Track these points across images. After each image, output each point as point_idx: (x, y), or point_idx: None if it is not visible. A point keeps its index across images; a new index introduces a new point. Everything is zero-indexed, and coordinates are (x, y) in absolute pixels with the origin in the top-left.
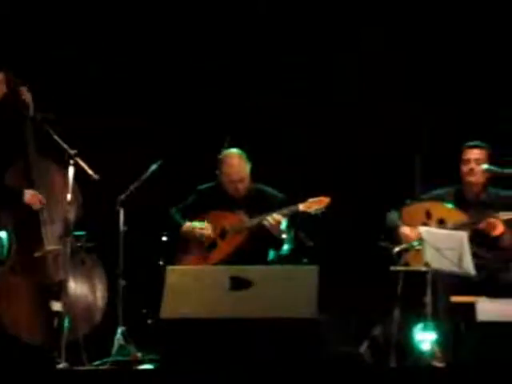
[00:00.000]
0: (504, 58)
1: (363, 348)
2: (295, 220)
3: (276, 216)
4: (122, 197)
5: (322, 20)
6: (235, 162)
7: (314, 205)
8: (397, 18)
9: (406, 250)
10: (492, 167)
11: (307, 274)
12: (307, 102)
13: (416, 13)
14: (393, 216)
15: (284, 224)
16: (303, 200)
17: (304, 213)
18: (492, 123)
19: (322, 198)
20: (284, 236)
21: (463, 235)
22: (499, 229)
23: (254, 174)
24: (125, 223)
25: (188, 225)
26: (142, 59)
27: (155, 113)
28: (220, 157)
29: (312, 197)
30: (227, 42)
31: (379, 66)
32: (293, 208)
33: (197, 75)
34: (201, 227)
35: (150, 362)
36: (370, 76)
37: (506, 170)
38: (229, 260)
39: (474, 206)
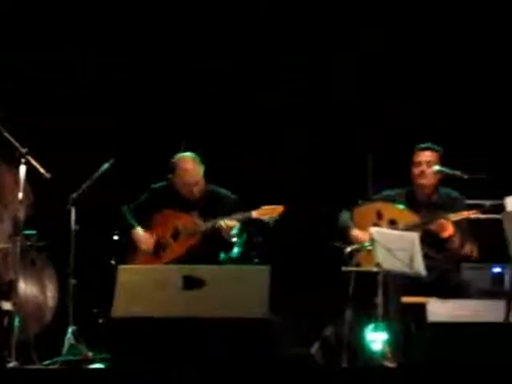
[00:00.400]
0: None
1: (314, 348)
2: (248, 225)
3: (229, 222)
4: (74, 195)
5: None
6: (189, 166)
7: (267, 212)
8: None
9: (357, 251)
10: (443, 168)
11: (259, 274)
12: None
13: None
14: (344, 216)
15: (236, 229)
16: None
17: (257, 220)
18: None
19: (275, 207)
20: (235, 240)
21: (414, 236)
22: (449, 230)
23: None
24: (76, 222)
25: (135, 232)
26: (94, 57)
27: (108, 112)
28: (173, 161)
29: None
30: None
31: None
32: (246, 214)
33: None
34: (143, 239)
35: (100, 361)
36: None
37: (457, 172)
38: (180, 260)
39: (425, 207)
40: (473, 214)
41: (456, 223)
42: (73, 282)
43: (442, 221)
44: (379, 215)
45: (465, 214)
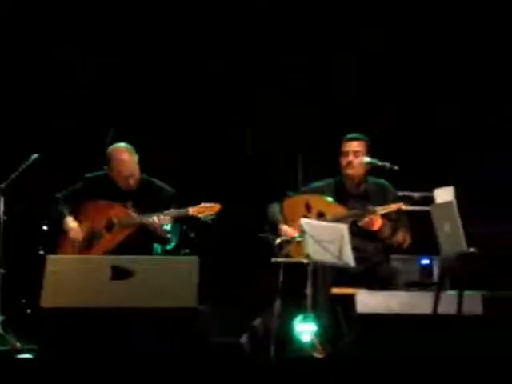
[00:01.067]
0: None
1: (244, 339)
2: (183, 221)
3: (163, 217)
4: (3, 185)
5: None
6: (125, 157)
7: (204, 210)
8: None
9: (287, 242)
10: (373, 160)
11: (188, 265)
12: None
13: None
14: (274, 210)
15: (170, 225)
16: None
17: (193, 217)
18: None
19: (212, 205)
20: (168, 236)
21: (343, 227)
22: (377, 224)
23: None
24: (5, 212)
25: (66, 222)
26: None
27: (39, 102)
28: (108, 152)
29: None
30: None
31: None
32: (182, 211)
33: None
34: (73, 229)
35: (29, 351)
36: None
37: (386, 163)
38: (113, 252)
39: (353, 197)
40: (400, 206)
41: (384, 215)
42: (1, 271)
43: (370, 217)
44: (308, 207)
45: (392, 207)
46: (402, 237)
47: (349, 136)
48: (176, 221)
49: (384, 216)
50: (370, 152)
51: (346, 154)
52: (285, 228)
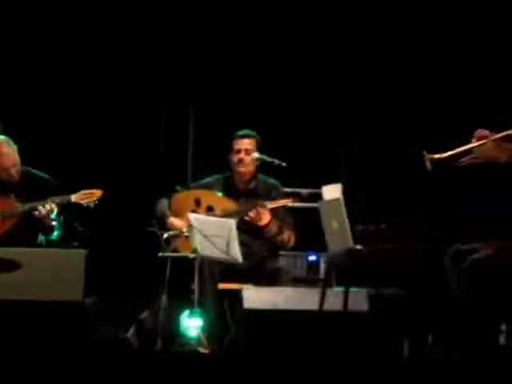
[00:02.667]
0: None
1: (130, 333)
2: (68, 209)
3: (47, 205)
4: None
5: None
6: (5, 149)
7: (85, 197)
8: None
9: (174, 237)
10: (262, 156)
11: (75, 258)
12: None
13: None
14: (162, 204)
15: (55, 212)
16: (77, 191)
17: (76, 203)
18: None
19: (94, 191)
20: (54, 223)
21: (231, 223)
22: (266, 219)
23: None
24: None
25: None
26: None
27: None
28: None
29: None
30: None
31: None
32: (65, 198)
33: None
34: None
35: None
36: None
37: (275, 159)
38: None
39: (243, 194)
40: (289, 202)
41: (273, 211)
42: None
43: (259, 209)
44: (197, 202)
45: (281, 202)
46: (287, 236)
47: (240, 133)
48: (60, 211)
49: (271, 214)
50: (261, 149)
51: (238, 151)
52: (172, 220)
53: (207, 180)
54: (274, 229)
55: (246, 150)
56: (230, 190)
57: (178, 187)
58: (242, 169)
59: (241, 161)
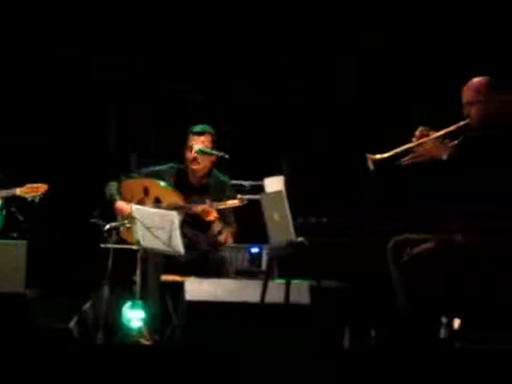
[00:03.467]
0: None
1: (72, 324)
2: (10, 203)
3: None
4: None
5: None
6: None
7: (30, 190)
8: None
9: (116, 228)
10: (203, 148)
11: (15, 249)
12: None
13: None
14: (111, 187)
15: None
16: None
17: (20, 197)
18: None
19: (39, 185)
20: None
21: (173, 215)
22: (212, 216)
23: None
24: None
25: None
26: None
27: None
28: None
29: None
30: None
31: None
32: (10, 191)
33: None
34: None
35: None
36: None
37: (217, 151)
38: None
39: (195, 189)
40: (237, 204)
41: (219, 211)
42: None
43: (207, 207)
44: (146, 191)
45: (229, 204)
46: (225, 237)
47: (195, 129)
48: (2, 205)
49: (218, 212)
50: (216, 145)
51: (192, 148)
52: (120, 204)
53: (160, 168)
54: (216, 228)
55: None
56: (182, 183)
57: (123, 176)
58: (195, 166)
59: (194, 159)
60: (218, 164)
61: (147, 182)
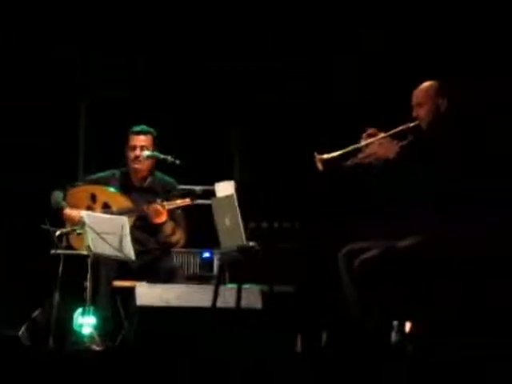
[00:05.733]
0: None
1: (22, 331)
2: None
3: None
4: None
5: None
6: None
7: None
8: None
9: (67, 234)
10: (154, 153)
11: None
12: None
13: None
14: (57, 196)
15: None
16: None
17: None
18: None
19: None
20: None
21: (124, 220)
22: (162, 217)
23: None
24: None
25: None
26: None
27: None
28: None
29: None
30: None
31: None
32: None
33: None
34: None
35: None
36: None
37: (168, 156)
38: None
39: (138, 191)
40: (187, 203)
41: (169, 211)
42: None
43: (158, 207)
44: (93, 198)
45: (179, 203)
46: (178, 238)
47: (135, 129)
48: None
49: (168, 212)
50: (157, 145)
51: (133, 148)
52: (69, 212)
53: (102, 174)
54: (168, 229)
55: (142, 147)
56: (127, 186)
57: (67, 184)
58: (137, 166)
59: (136, 158)
60: (168, 168)
61: (93, 188)
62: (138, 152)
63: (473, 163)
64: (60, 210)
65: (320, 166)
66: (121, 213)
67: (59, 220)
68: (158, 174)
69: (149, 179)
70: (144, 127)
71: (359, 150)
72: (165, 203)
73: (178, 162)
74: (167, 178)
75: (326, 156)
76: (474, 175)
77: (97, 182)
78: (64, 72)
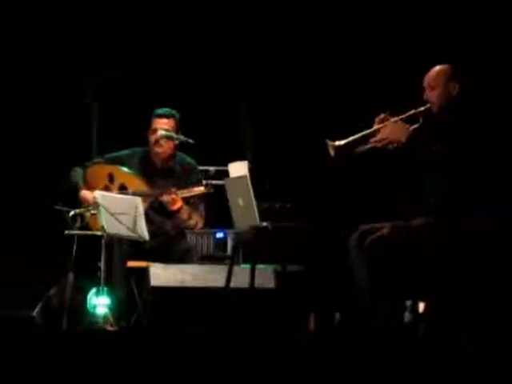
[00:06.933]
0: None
1: (36, 311)
2: None
3: None
4: None
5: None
6: None
7: None
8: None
9: (81, 215)
10: (168, 133)
11: None
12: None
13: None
14: (76, 174)
15: None
16: None
17: None
18: None
19: None
20: None
21: (137, 200)
22: (178, 205)
23: None
24: None
25: None
26: None
27: None
28: None
29: None
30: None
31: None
32: None
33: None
34: None
35: None
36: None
37: (181, 136)
38: None
39: (158, 173)
40: (202, 191)
41: (184, 198)
42: None
43: (173, 196)
44: (111, 178)
45: (195, 191)
46: (195, 222)
47: (158, 112)
48: None
49: (183, 201)
50: (180, 129)
51: (155, 131)
52: (84, 193)
53: (124, 153)
54: (184, 215)
55: (164, 130)
56: (147, 167)
57: (87, 162)
58: (158, 149)
59: (157, 142)
60: (184, 149)
61: (111, 168)
62: (158, 135)
63: (482, 148)
64: (77, 188)
65: (332, 153)
66: (135, 195)
67: (73, 200)
68: (180, 155)
69: (170, 162)
70: (167, 110)
71: (371, 135)
72: (179, 192)
73: (191, 141)
74: (188, 160)
75: (337, 142)
76: (483, 159)
77: (116, 160)
78: (69, 72)
